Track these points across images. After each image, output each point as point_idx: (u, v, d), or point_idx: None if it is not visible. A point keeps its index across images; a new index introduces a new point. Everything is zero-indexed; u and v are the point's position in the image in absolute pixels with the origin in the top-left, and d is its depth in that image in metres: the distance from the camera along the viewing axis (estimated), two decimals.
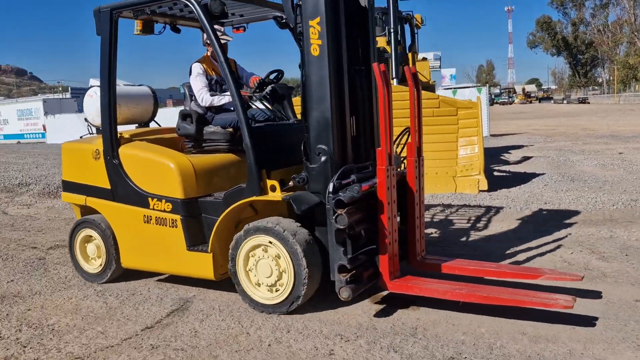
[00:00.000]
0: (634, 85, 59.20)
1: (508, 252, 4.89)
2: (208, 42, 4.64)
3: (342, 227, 3.38)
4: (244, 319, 3.62)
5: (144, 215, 4.23)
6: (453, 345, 3.11)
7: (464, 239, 5.46)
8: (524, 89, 77.68)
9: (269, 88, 4.51)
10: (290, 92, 4.84)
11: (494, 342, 3.12)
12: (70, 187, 4.82)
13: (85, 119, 4.92)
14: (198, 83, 4.56)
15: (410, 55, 11.35)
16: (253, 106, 4.64)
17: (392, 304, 3.76)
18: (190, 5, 3.86)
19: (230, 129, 4.44)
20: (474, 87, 26.10)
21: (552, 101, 66.09)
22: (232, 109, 4.45)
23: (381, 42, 9.55)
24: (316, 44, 3.61)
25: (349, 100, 3.80)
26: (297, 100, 4.69)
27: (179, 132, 4.53)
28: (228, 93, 4.36)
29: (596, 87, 75.93)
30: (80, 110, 24.82)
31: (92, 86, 4.79)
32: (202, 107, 4.58)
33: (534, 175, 9.11)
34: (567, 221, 5.91)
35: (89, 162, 4.60)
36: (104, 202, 4.51)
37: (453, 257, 4.20)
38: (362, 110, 3.98)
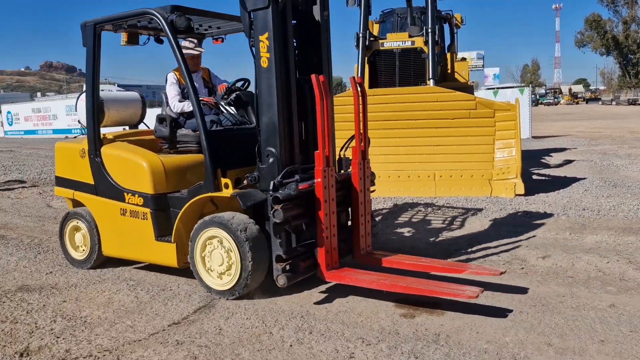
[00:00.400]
0: None
1: (541, 257, 4.78)
2: (185, 51, 5.00)
3: (278, 221, 3.72)
4: (268, 318, 3.66)
5: (121, 209, 4.68)
6: (475, 354, 3.06)
7: (499, 244, 5.36)
8: (570, 90, 75.48)
9: (234, 95, 4.86)
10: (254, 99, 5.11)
11: (518, 353, 3.06)
12: (61, 182, 5.32)
13: (79, 121, 5.28)
14: (171, 91, 4.99)
15: (448, 55, 11.18)
16: (224, 111, 5.03)
17: (417, 308, 3.74)
18: (157, 20, 4.28)
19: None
20: (517, 87, 25.52)
21: (600, 102, 63.99)
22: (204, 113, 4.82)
23: (418, 42, 9.45)
24: (265, 56, 3.97)
25: (297, 107, 4.14)
26: None
27: (156, 135, 4.93)
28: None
29: None
30: None
31: (84, 91, 5.15)
32: (176, 112, 4.98)
33: (574, 180, 8.85)
34: (606, 229, 5.73)
35: (76, 160, 5.08)
36: (88, 196, 5.00)
37: (395, 253, 4.48)
38: (311, 116, 4.21)
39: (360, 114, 4.25)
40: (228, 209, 4.18)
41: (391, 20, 11.11)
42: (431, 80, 8.92)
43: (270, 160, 4.01)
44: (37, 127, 33.39)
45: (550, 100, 68.00)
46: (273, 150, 4.00)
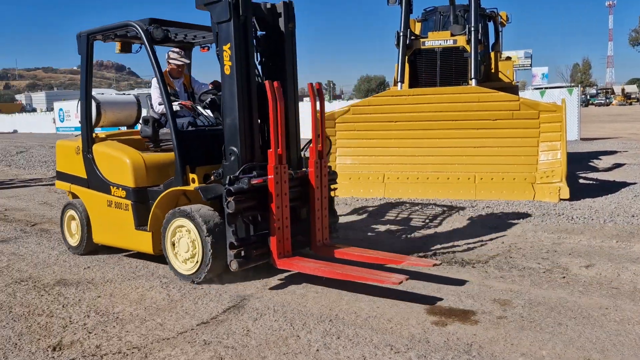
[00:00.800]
0: None
1: (585, 266, 4.56)
2: (168, 60, 5.49)
3: (231, 211, 4.13)
4: (296, 321, 3.62)
5: (107, 200, 5.17)
6: None
7: (539, 251, 5.16)
8: (623, 90, 72.59)
9: (209, 99, 5.20)
10: None
11: None
12: (61, 176, 5.89)
13: (80, 121, 5.64)
14: (154, 94, 5.37)
15: (492, 54, 10.86)
16: (204, 113, 5.42)
17: (450, 316, 3.62)
18: (136, 31, 4.72)
19: None
20: (566, 87, 24.68)
21: None
22: (181, 115, 5.28)
23: (461, 40, 9.21)
24: (227, 64, 4.37)
25: (259, 110, 4.50)
26: None
27: (141, 134, 5.37)
28: (177, 102, 5.23)
29: None
30: None
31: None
32: (158, 114, 5.37)
33: (623, 185, 8.46)
34: None
35: (73, 156, 5.61)
36: (82, 189, 5.52)
37: (348, 245, 4.80)
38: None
39: (319, 117, 4.61)
40: (199, 202, 4.56)
41: (433, 18, 10.90)
42: (473, 80, 8.68)
43: (232, 158, 4.40)
44: None
45: (602, 101, 65.54)
46: (234, 149, 4.39)
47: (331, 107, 17.30)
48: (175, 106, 5.22)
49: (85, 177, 5.43)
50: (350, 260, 4.44)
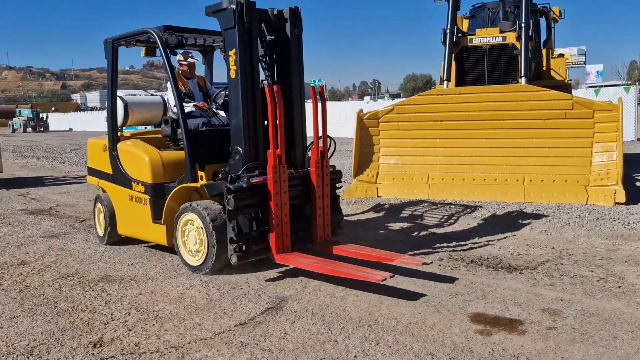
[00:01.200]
0: None
1: (630, 277, 4.30)
2: (180, 62, 5.76)
3: (231, 208, 4.32)
4: (334, 325, 3.54)
5: (129, 195, 5.51)
6: None
7: (593, 258, 4.89)
8: None
9: (221, 100, 5.45)
10: None
11: None
12: (91, 172, 6.33)
13: (106, 120, 5.96)
14: (170, 96, 5.47)
15: (544, 51, 10.45)
16: (219, 113, 5.61)
17: (495, 325, 3.46)
18: (152, 37, 5.04)
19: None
20: (623, 85, 23.60)
21: None
22: (197, 115, 5.47)
23: (510, 37, 8.89)
24: (233, 69, 4.58)
25: (263, 112, 4.66)
26: None
27: (162, 134, 5.60)
28: (192, 103, 5.51)
29: None
30: None
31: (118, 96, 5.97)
32: (176, 114, 5.44)
33: None
34: None
35: (101, 154, 6.01)
36: (108, 183, 5.91)
37: (347, 242, 4.91)
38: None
39: (320, 119, 4.74)
40: (209, 199, 4.74)
41: (482, 15, 10.56)
42: (523, 78, 8.36)
43: (237, 157, 4.64)
44: None
45: None
46: (239, 148, 4.63)
47: (375, 106, 17.13)
48: (191, 107, 5.49)
49: (111, 173, 5.80)
50: (347, 257, 4.59)
